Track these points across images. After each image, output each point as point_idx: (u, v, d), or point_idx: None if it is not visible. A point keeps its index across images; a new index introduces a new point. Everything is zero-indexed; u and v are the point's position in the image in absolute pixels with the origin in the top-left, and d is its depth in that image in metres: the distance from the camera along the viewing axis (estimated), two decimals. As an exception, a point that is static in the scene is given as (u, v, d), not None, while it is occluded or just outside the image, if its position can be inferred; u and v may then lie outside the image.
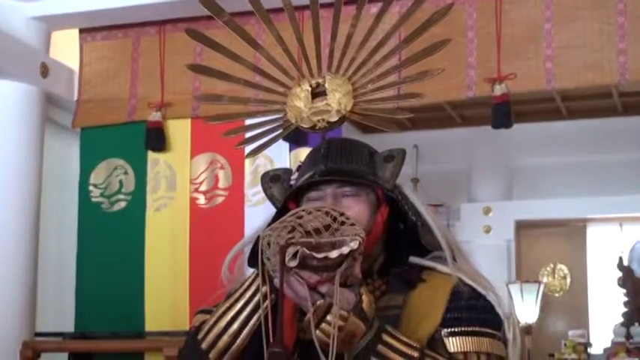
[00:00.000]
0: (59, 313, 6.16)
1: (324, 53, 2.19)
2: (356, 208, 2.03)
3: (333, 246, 1.78)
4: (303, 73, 2.21)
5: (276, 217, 2.07)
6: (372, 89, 2.17)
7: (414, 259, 2.11)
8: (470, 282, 2.06)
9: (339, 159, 2.11)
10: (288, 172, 2.23)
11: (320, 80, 2.18)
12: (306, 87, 2.18)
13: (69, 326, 5.46)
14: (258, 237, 2.08)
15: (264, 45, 2.30)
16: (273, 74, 2.26)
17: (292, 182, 2.19)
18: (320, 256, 1.76)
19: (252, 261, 2.05)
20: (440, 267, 2.09)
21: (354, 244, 1.78)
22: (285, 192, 2.16)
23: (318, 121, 2.16)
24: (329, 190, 2.07)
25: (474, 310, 2.03)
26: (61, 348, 5.31)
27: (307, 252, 1.76)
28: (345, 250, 1.77)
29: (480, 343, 1.99)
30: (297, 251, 1.76)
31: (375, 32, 2.16)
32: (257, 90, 2.31)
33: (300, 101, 2.17)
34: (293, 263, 1.77)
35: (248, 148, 2.37)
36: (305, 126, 2.17)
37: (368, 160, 2.14)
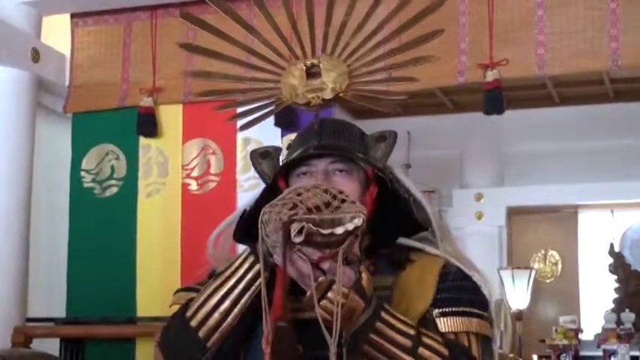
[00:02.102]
0: (51, 298, 6.16)
1: (318, 36, 2.18)
2: (347, 185, 2.02)
3: (333, 223, 1.78)
4: (297, 55, 2.20)
5: (264, 194, 2.08)
6: (366, 73, 2.17)
7: (402, 240, 2.12)
8: (457, 263, 2.08)
9: (331, 136, 2.11)
10: (277, 149, 2.23)
11: (315, 61, 2.18)
12: (301, 66, 2.17)
13: (60, 312, 5.47)
14: (244, 212, 2.08)
15: (258, 29, 2.29)
16: (267, 56, 2.25)
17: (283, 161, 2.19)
18: (326, 232, 1.76)
19: (240, 236, 2.07)
20: (428, 248, 2.11)
21: (358, 221, 1.78)
22: (275, 168, 2.16)
23: (313, 98, 2.15)
24: (321, 167, 2.07)
25: (462, 290, 2.05)
26: (52, 333, 5.32)
27: (313, 228, 1.75)
28: (350, 226, 1.77)
29: (470, 323, 2.02)
30: (302, 227, 1.76)
31: (370, 18, 2.16)
32: (250, 70, 2.29)
33: (294, 79, 2.17)
34: (299, 239, 1.76)
35: (239, 123, 2.35)
36: (299, 102, 2.17)
37: (359, 139, 2.15)
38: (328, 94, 2.15)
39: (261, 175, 2.19)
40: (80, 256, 5.44)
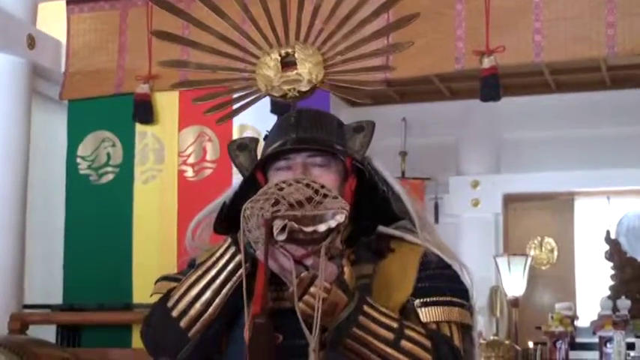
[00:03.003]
0: (47, 285, 6.15)
1: (292, 24, 2.17)
2: (326, 177, 2.02)
3: (315, 220, 1.77)
4: (271, 42, 2.19)
5: (243, 186, 2.09)
6: (342, 60, 2.16)
7: (381, 229, 2.12)
8: (436, 251, 2.09)
9: (309, 128, 2.10)
10: (255, 140, 2.23)
11: (289, 50, 2.17)
12: (276, 56, 2.16)
13: (57, 298, 5.47)
14: (224, 203, 2.09)
15: (237, 19, 2.27)
16: (244, 45, 2.23)
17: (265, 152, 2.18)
18: (309, 230, 1.75)
19: (220, 227, 2.07)
20: (407, 237, 2.11)
21: (341, 218, 1.77)
22: (253, 161, 2.17)
23: (289, 90, 2.15)
24: (299, 160, 2.06)
25: (443, 279, 2.06)
26: (49, 320, 5.32)
27: (296, 226, 1.75)
28: (333, 223, 1.76)
29: (451, 312, 2.03)
30: (284, 225, 1.75)
31: (346, 3, 2.14)
32: (229, 59, 2.28)
33: (269, 70, 2.16)
34: (282, 237, 1.75)
35: (220, 116, 2.35)
36: (276, 94, 2.17)
37: (337, 130, 2.14)
38: (305, 86, 2.14)
39: (239, 167, 2.19)
40: (76, 242, 5.43)
